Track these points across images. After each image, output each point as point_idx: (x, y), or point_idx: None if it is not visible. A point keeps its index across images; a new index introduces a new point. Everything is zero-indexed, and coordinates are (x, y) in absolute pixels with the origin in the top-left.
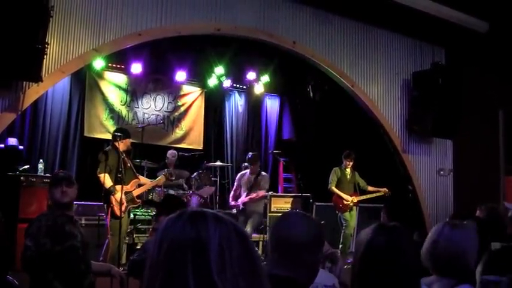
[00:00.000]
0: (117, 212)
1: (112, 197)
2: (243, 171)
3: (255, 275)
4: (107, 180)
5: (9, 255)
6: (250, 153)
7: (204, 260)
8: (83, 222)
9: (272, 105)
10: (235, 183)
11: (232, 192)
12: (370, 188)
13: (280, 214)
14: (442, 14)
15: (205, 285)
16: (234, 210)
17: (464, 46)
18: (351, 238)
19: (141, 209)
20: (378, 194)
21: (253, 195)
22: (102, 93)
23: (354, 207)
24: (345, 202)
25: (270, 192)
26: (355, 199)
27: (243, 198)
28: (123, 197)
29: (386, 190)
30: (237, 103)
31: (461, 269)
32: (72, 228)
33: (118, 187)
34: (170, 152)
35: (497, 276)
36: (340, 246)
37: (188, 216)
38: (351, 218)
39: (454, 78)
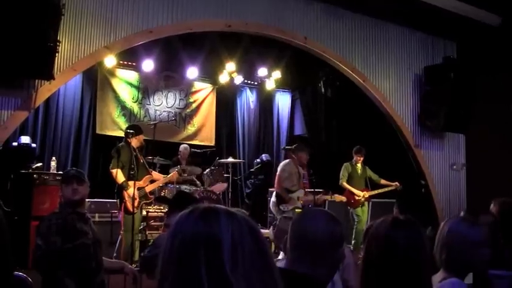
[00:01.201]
0: (130, 208)
1: (125, 192)
2: (288, 161)
3: (267, 270)
4: (119, 175)
5: (12, 252)
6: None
7: (217, 256)
8: (96, 219)
9: (283, 101)
10: (284, 175)
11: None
12: (382, 181)
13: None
14: (453, 8)
15: (218, 281)
16: (290, 209)
17: (476, 40)
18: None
19: (154, 205)
20: (389, 189)
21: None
22: (114, 91)
23: (366, 203)
24: (357, 197)
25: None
26: (367, 194)
27: (309, 197)
28: (136, 192)
29: (398, 184)
30: (248, 99)
31: (455, 262)
32: (83, 226)
33: (130, 183)
34: (182, 146)
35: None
36: (353, 242)
37: (201, 212)
38: (363, 214)
39: (466, 72)
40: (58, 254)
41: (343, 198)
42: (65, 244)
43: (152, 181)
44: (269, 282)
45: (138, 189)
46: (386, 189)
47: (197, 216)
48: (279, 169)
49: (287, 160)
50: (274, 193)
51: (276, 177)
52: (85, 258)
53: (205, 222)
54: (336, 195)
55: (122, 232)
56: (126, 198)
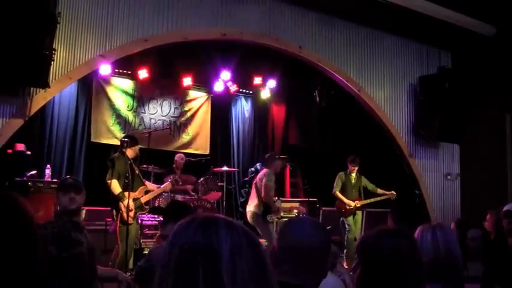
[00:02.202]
0: (126, 218)
1: (121, 203)
2: (270, 170)
3: (266, 282)
4: (115, 186)
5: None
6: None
7: (215, 267)
8: (90, 227)
9: (278, 110)
10: (271, 184)
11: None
12: (379, 190)
13: (287, 219)
14: (448, 18)
15: None
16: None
17: (471, 50)
18: (355, 243)
19: (148, 214)
20: (383, 198)
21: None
22: (109, 99)
23: (359, 212)
24: (347, 207)
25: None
26: (359, 204)
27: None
28: (132, 203)
29: (394, 193)
30: (243, 108)
31: (444, 272)
32: (78, 235)
33: (126, 193)
34: (178, 155)
35: None
36: (345, 251)
37: (199, 222)
38: (355, 223)
39: (460, 82)
40: (53, 264)
41: (304, 210)
42: (61, 253)
43: (147, 192)
44: None
45: (134, 200)
46: (379, 198)
47: (196, 227)
48: (264, 178)
49: (268, 169)
50: (255, 203)
51: (263, 187)
52: (80, 267)
53: (204, 233)
54: (298, 204)
55: (119, 242)
56: (123, 209)
